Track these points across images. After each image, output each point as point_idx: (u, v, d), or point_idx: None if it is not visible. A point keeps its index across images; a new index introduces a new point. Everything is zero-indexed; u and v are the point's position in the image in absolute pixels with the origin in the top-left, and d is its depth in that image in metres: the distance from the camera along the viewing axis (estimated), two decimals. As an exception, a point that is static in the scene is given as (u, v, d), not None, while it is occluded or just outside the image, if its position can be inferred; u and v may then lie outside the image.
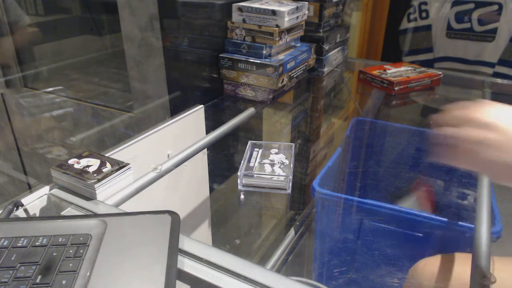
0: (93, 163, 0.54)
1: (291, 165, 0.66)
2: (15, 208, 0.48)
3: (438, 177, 1.03)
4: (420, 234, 0.72)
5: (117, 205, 0.52)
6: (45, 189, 0.53)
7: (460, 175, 0.98)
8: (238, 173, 0.56)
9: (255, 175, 0.55)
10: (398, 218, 0.74)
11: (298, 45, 1.01)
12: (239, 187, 0.56)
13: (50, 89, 1.04)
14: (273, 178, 0.55)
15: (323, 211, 0.85)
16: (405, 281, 0.66)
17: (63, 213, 0.50)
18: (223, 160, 1.08)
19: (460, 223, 0.68)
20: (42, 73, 1.13)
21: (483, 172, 0.44)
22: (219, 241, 1.10)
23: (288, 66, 0.90)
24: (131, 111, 0.88)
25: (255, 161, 0.57)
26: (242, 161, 0.66)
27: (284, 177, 0.55)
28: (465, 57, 1.39)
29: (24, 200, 0.50)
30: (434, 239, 0.70)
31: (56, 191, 0.52)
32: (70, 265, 0.36)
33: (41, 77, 1.13)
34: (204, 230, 0.99)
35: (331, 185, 0.95)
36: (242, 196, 0.68)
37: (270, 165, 0.57)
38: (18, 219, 0.47)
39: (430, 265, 0.63)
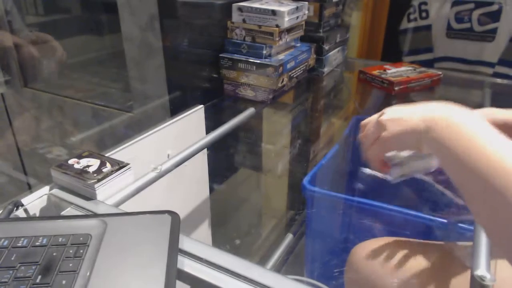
0: (93, 163, 0.53)
1: None
2: (15, 208, 0.48)
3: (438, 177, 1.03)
4: (407, 232, 0.72)
5: (117, 205, 0.52)
6: (45, 189, 0.53)
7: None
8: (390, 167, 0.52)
9: (403, 162, 0.51)
10: (391, 217, 0.74)
11: (298, 45, 1.01)
12: (391, 181, 0.53)
13: (50, 89, 1.04)
14: (421, 160, 0.51)
15: (313, 208, 0.85)
16: (345, 265, 0.67)
17: (63, 213, 0.50)
18: (223, 160, 1.08)
19: (459, 223, 0.68)
20: (42, 73, 1.13)
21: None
22: (219, 241, 1.10)
23: (288, 66, 0.90)
24: (131, 111, 0.88)
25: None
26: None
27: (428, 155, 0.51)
28: (465, 57, 1.39)
29: (24, 200, 0.50)
30: (428, 238, 0.70)
31: (56, 191, 0.52)
32: (70, 265, 0.36)
33: (41, 77, 1.12)
34: (204, 230, 0.99)
35: (328, 183, 0.95)
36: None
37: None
38: (18, 219, 0.47)
39: (367, 248, 0.64)
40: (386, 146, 0.49)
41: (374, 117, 0.52)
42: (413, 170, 0.52)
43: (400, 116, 0.47)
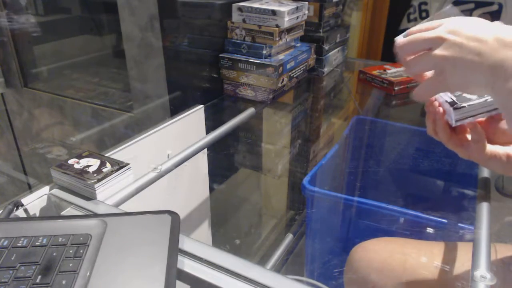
0: (93, 163, 0.54)
1: None
2: (15, 208, 0.48)
3: (438, 177, 1.03)
4: (407, 232, 0.72)
5: (117, 205, 0.52)
6: (45, 189, 0.53)
7: (460, 175, 0.98)
8: (450, 109, 0.46)
9: (466, 105, 0.46)
10: (391, 217, 0.74)
11: (298, 45, 1.01)
12: (453, 124, 0.47)
13: (50, 89, 1.04)
14: (486, 100, 0.45)
15: (313, 208, 0.85)
16: (345, 265, 0.67)
17: (63, 213, 0.50)
18: (223, 160, 1.08)
19: (459, 223, 0.68)
20: (42, 73, 1.13)
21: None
22: (219, 241, 1.10)
23: (288, 66, 0.90)
24: (131, 111, 0.88)
25: (450, 96, 0.48)
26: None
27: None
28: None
29: (24, 200, 0.50)
30: (428, 238, 0.71)
31: (56, 191, 0.52)
32: (70, 265, 0.36)
33: (41, 77, 1.13)
34: (204, 230, 0.99)
35: (328, 183, 0.95)
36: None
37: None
38: (18, 219, 0.47)
39: (367, 248, 0.64)
40: (440, 88, 0.42)
41: (427, 36, 0.40)
42: (478, 112, 0.45)
43: (463, 55, 0.37)
